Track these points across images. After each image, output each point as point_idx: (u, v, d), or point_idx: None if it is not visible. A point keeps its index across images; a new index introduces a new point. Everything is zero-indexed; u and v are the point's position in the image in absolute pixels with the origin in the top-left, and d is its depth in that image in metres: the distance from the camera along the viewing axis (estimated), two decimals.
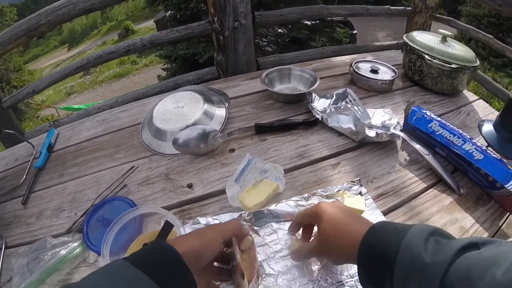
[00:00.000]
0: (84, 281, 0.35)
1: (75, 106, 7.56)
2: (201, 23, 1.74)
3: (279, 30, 4.98)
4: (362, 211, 0.61)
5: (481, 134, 0.88)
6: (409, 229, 0.39)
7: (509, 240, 0.64)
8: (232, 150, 0.83)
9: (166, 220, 0.53)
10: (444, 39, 1.05)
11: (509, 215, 0.68)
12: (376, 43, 2.66)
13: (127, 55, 1.82)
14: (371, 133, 0.81)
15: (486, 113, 1.00)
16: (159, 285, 0.35)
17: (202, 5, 4.20)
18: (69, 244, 0.61)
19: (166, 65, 5.90)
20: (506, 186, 0.65)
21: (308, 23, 4.94)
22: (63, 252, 0.59)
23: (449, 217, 0.66)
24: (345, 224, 0.46)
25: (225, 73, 1.77)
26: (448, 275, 0.33)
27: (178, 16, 4.74)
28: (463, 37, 6.48)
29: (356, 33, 7.72)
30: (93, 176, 0.81)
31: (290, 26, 4.87)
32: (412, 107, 0.85)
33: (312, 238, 0.50)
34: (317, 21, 5.01)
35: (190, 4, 4.41)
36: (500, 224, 0.67)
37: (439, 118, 0.82)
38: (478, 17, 6.66)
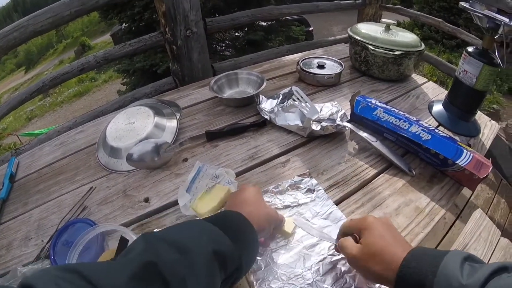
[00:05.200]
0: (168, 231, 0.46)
1: (37, 131, 7.21)
2: (153, 35, 1.73)
3: (236, 34, 4.97)
4: (289, 234, 0.61)
5: (431, 115, 0.90)
6: (445, 255, 0.41)
7: None
8: (185, 160, 0.84)
9: (121, 236, 0.55)
10: (387, 28, 1.09)
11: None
12: (329, 38, 2.71)
13: (82, 73, 1.78)
14: (317, 127, 0.83)
15: (436, 94, 1.05)
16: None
17: (156, 15, 4.15)
18: None
19: (125, 79, 5.75)
20: (457, 162, 0.68)
21: (264, 24, 4.95)
22: None
23: (403, 199, 0.68)
24: (384, 248, 0.46)
25: (181, 82, 1.76)
26: None
27: (133, 28, 4.64)
28: (416, 24, 6.72)
29: (312, 30, 7.79)
30: (56, 201, 0.79)
31: (246, 29, 4.89)
32: (357, 97, 0.87)
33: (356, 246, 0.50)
34: (273, 22, 5.04)
35: (144, 16, 4.34)
36: (468, 197, 0.70)
37: (384, 105, 0.85)
38: (429, 3, 6.79)
